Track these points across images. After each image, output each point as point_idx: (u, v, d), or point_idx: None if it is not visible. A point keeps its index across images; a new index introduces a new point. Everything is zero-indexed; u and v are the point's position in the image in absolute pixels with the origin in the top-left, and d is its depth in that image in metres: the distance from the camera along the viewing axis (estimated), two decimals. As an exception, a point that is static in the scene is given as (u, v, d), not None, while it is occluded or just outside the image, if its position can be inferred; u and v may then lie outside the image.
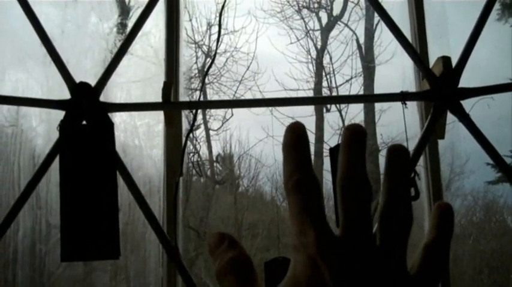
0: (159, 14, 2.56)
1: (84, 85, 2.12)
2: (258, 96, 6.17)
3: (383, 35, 6.09)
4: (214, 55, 2.42)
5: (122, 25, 3.46)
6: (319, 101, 5.52)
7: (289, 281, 0.49)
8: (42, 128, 2.93)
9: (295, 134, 0.52)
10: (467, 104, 2.47)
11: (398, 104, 2.47)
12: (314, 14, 6.68)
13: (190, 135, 2.48)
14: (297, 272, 0.49)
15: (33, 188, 2.15)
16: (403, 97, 2.42)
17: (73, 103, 2.09)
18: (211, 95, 6.52)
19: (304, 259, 0.48)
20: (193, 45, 6.56)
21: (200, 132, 6.62)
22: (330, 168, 2.17)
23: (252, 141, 6.83)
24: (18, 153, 2.80)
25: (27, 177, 2.27)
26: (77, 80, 2.17)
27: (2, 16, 2.81)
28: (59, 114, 2.13)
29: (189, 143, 2.37)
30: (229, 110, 6.40)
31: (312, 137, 6.37)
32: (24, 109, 2.90)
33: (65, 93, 2.18)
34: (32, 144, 2.95)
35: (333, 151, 2.17)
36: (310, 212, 0.49)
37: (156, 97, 2.33)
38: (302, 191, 0.49)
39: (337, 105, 6.13)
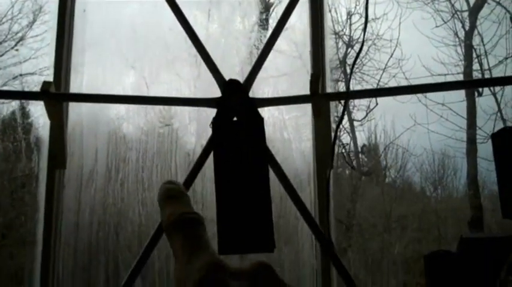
0: (303, 6, 2.56)
1: (233, 82, 2.16)
2: (404, 83, 5.97)
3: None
4: (362, 43, 2.35)
5: (265, 21, 3.51)
6: (470, 85, 5.19)
7: None
8: (193, 127, 3.04)
9: (166, 188, 0.53)
10: None
11: None
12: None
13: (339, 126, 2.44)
14: None
15: (189, 185, 2.23)
16: None
17: (224, 100, 2.14)
18: (354, 85, 6.38)
19: None
20: (333, 36, 6.51)
21: (344, 123, 6.55)
22: (493, 155, 2.03)
23: (398, 130, 6.63)
24: (174, 152, 2.93)
25: (184, 174, 2.37)
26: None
27: (155, 25, 2.95)
28: (208, 112, 2.19)
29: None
30: (374, 99, 6.27)
31: (463, 123, 6.06)
32: (175, 109, 3.03)
33: (209, 94, 2.24)
34: (183, 141, 3.06)
35: (496, 137, 2.03)
36: (195, 242, 0.47)
37: (300, 91, 2.33)
38: (184, 227, 0.48)
39: (491, 89, 5.74)
